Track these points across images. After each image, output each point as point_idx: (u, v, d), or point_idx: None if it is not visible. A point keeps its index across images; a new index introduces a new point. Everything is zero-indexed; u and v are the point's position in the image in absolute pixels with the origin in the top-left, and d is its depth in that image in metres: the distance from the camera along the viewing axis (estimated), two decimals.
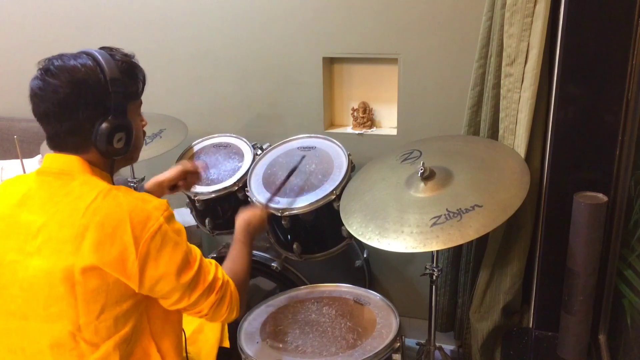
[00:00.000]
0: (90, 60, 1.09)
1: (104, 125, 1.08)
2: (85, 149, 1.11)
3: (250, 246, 1.40)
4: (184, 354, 1.32)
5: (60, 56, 1.10)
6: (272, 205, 1.72)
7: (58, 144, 1.11)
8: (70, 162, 1.11)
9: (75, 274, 1.02)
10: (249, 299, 1.76)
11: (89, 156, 1.12)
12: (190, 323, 1.60)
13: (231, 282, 1.21)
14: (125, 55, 1.17)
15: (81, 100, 1.06)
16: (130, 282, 1.05)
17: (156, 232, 1.05)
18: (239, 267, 1.30)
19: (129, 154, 1.19)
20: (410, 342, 2.01)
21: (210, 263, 1.19)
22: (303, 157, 1.85)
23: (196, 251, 1.16)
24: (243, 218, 1.46)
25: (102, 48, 1.15)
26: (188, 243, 1.14)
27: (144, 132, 1.26)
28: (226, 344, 1.55)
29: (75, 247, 1.02)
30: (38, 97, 1.07)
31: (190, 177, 1.63)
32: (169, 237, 1.08)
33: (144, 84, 1.20)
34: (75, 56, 1.10)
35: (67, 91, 1.05)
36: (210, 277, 1.15)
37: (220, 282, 1.17)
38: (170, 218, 1.11)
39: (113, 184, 1.15)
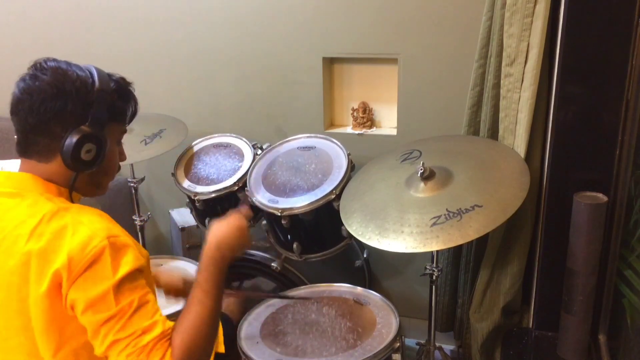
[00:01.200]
0: (85, 70, 1.06)
1: (76, 131, 1.02)
2: (48, 156, 1.05)
3: (213, 283, 1.05)
4: None
5: (55, 59, 1.07)
6: (270, 209, 1.69)
7: (24, 144, 1.06)
8: (22, 180, 1.05)
9: (29, 308, 0.96)
10: (248, 299, 1.76)
11: (50, 167, 1.05)
12: None
13: (161, 352, 0.94)
14: (123, 79, 1.13)
15: (60, 102, 1.01)
16: (64, 308, 0.96)
17: (92, 257, 0.94)
18: (189, 328, 0.98)
19: (96, 177, 1.11)
20: (410, 342, 2.01)
21: (150, 321, 0.96)
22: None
23: (137, 297, 0.97)
24: (212, 236, 1.12)
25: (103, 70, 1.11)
26: (134, 284, 0.97)
27: (119, 167, 1.18)
28: (221, 349, 1.52)
29: (24, 278, 0.96)
30: (19, 88, 1.03)
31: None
32: (104, 264, 0.95)
33: (133, 112, 1.15)
34: (70, 63, 1.07)
35: (50, 89, 1.01)
36: (125, 333, 0.94)
37: (139, 345, 0.94)
38: (116, 248, 0.97)
39: (72, 201, 1.08)
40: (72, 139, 1.02)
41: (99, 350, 0.96)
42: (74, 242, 0.95)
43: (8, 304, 0.98)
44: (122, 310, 0.95)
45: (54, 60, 1.06)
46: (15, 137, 1.07)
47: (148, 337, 0.95)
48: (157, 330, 0.96)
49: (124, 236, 1.02)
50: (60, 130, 1.03)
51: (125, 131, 1.17)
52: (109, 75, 1.10)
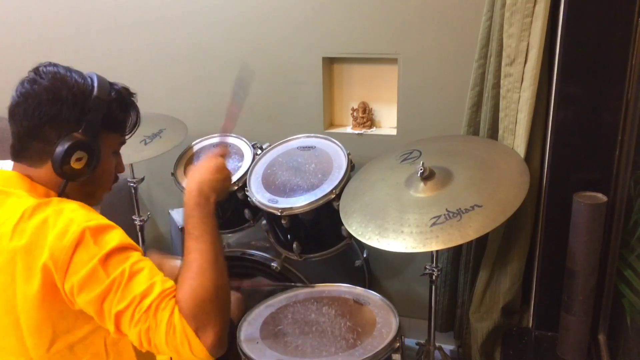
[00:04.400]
0: (85, 77, 1.05)
1: (67, 138, 1.01)
2: (40, 161, 1.04)
3: (203, 226, 1.00)
4: None
5: (56, 64, 1.06)
6: (270, 209, 1.69)
7: (18, 148, 1.05)
8: (8, 178, 1.03)
9: (17, 307, 0.95)
10: (248, 299, 1.76)
11: (40, 172, 1.04)
12: None
13: (168, 308, 0.90)
14: (126, 89, 1.11)
15: (55, 107, 1.00)
16: (67, 302, 0.95)
17: (73, 242, 0.92)
18: (190, 279, 0.93)
19: (88, 187, 1.08)
20: (410, 342, 2.01)
21: (149, 281, 0.93)
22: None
23: (128, 265, 0.93)
24: (191, 180, 1.07)
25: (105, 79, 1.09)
26: (130, 256, 0.95)
27: (117, 178, 1.15)
28: None
29: (10, 277, 0.94)
30: (17, 91, 1.03)
31: None
32: (86, 245, 0.93)
33: (133, 123, 1.13)
34: (71, 69, 1.06)
35: (46, 94, 1.00)
36: (126, 301, 0.91)
37: (143, 308, 0.90)
38: (96, 229, 0.95)
39: None
40: (63, 146, 1.00)
41: (112, 329, 0.93)
42: (54, 233, 0.93)
43: None
44: (114, 280, 0.91)
45: (54, 65, 1.06)
46: (11, 140, 1.06)
47: (148, 300, 0.90)
48: (155, 291, 0.91)
49: (105, 220, 0.99)
50: (54, 135, 1.02)
51: (124, 142, 1.15)
52: (111, 84, 1.08)
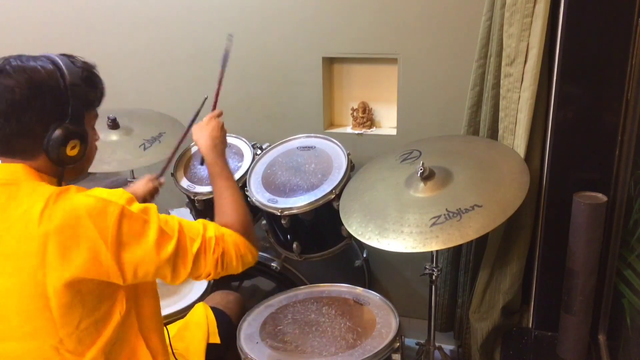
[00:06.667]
0: (50, 63, 1.05)
1: (58, 130, 1.03)
2: (32, 155, 1.05)
3: (227, 169, 1.32)
4: (170, 350, 1.30)
5: (19, 56, 1.05)
6: (270, 209, 1.70)
7: (5, 148, 1.05)
8: (15, 170, 1.04)
9: (47, 288, 0.97)
10: (248, 299, 1.76)
11: (36, 163, 1.05)
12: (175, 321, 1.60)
13: (227, 233, 1.15)
14: (86, 63, 1.12)
15: (37, 102, 1.01)
16: (112, 278, 1.01)
17: (119, 217, 1.00)
18: (231, 208, 1.23)
19: (80, 164, 1.12)
20: (410, 342, 2.01)
21: (198, 224, 1.13)
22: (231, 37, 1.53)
23: (174, 221, 1.09)
24: (205, 138, 1.39)
25: (62, 55, 1.09)
26: (160, 216, 1.08)
27: (96, 147, 1.20)
28: (215, 339, 1.53)
29: (40, 260, 0.96)
30: None
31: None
32: (135, 217, 1.02)
33: (102, 95, 1.15)
34: (35, 58, 1.05)
35: (24, 91, 1.00)
36: (198, 240, 1.10)
37: (213, 241, 1.12)
38: (130, 201, 1.04)
39: None
40: (56, 139, 1.03)
41: (184, 274, 1.09)
42: (94, 212, 0.99)
43: (22, 290, 0.98)
44: (181, 233, 1.07)
45: (17, 58, 1.04)
46: None
47: (211, 232, 1.12)
48: (210, 227, 1.14)
49: (123, 191, 1.07)
50: (41, 130, 1.03)
51: (97, 115, 1.17)
52: (74, 63, 1.08)
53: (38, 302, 0.98)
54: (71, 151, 1.06)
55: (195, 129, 1.43)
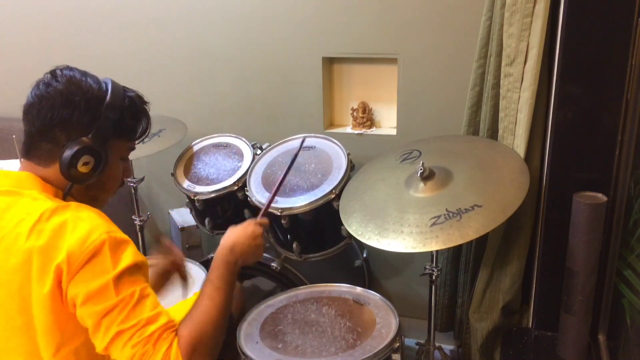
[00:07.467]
0: (98, 82, 1.07)
1: (76, 142, 1.03)
2: (47, 161, 1.05)
3: (226, 282, 1.09)
4: None
5: (74, 68, 1.08)
6: (270, 209, 1.68)
7: (27, 147, 1.07)
8: (20, 178, 1.05)
9: (32, 307, 0.95)
10: (248, 299, 1.76)
11: (48, 171, 1.05)
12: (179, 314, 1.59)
13: (176, 343, 0.94)
14: (139, 96, 1.12)
15: (67, 110, 1.02)
16: (65, 305, 0.96)
17: (92, 250, 0.94)
18: (198, 319, 1.00)
19: (92, 190, 1.10)
20: (410, 342, 2.01)
21: (158, 312, 0.96)
22: (298, 151, 1.55)
23: (139, 289, 0.97)
24: (230, 237, 1.18)
25: (121, 85, 1.10)
26: (134, 277, 0.97)
27: (123, 183, 1.16)
28: None
29: (26, 277, 0.95)
30: (32, 93, 1.05)
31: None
32: (103, 257, 0.95)
33: (143, 130, 1.14)
34: (87, 74, 1.08)
35: (60, 96, 1.02)
36: (134, 321, 0.93)
37: (149, 332, 0.93)
38: (115, 243, 0.97)
39: None
40: (71, 149, 1.02)
41: (100, 345, 0.95)
42: (74, 237, 0.95)
43: (9, 304, 0.97)
44: (123, 300, 0.94)
45: (71, 68, 1.07)
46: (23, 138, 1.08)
47: (153, 327, 0.94)
48: (162, 320, 0.96)
49: (122, 233, 1.02)
50: (64, 138, 1.03)
51: (133, 148, 1.16)
52: (125, 91, 1.10)
53: (24, 319, 0.97)
54: (82, 167, 1.04)
55: (231, 226, 1.23)
